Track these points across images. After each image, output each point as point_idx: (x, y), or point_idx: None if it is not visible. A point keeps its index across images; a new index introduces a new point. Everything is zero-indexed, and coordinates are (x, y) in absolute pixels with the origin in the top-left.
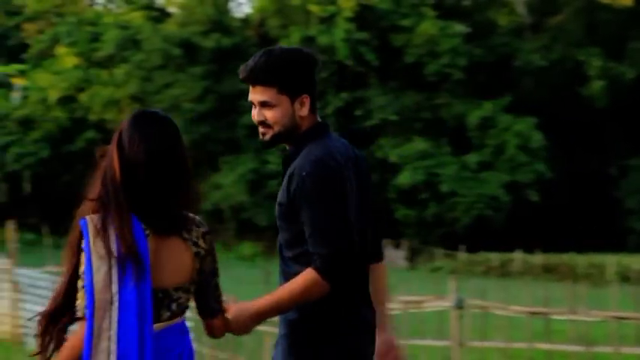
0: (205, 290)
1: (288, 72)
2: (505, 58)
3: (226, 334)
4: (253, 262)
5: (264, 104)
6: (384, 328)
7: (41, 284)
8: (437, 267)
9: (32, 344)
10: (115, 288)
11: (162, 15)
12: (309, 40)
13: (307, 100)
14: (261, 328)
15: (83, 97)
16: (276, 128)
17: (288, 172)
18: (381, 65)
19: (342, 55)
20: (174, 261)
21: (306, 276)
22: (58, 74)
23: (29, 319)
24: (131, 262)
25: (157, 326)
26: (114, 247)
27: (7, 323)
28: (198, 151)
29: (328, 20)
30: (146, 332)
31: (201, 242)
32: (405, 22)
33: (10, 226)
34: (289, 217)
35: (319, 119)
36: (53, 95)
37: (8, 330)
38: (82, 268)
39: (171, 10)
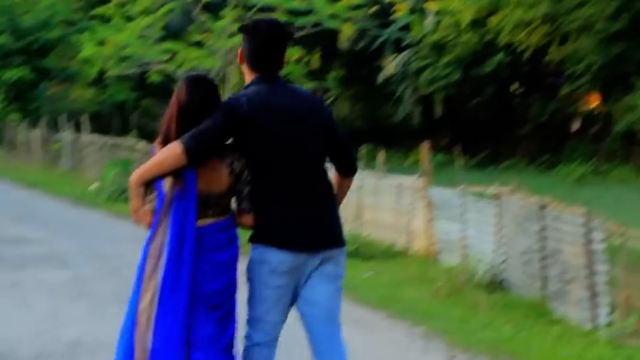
0: (240, 196)
1: (242, 33)
2: None
3: None
4: None
5: None
6: None
7: (453, 203)
8: None
9: (446, 260)
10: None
11: None
12: None
13: (241, 55)
14: None
15: (494, 20)
16: None
17: None
18: None
19: None
20: (214, 176)
21: (171, 145)
22: None
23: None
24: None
25: (205, 221)
26: None
27: (422, 239)
28: (610, 71)
29: None
30: (190, 217)
31: (235, 164)
32: None
33: (424, 148)
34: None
35: (266, 74)
36: (465, 19)
37: (423, 246)
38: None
39: None
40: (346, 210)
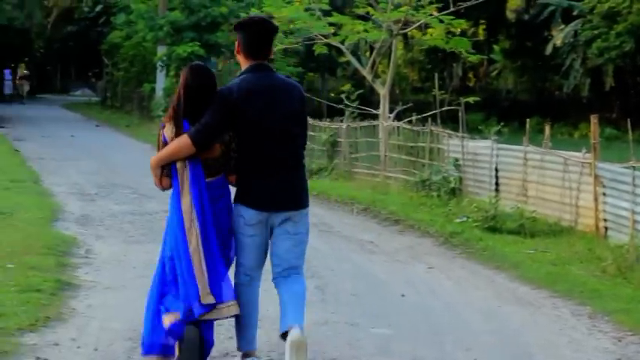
0: (228, 161)
1: (235, 26)
2: None
3: None
4: None
5: None
6: None
7: (623, 179)
8: None
9: (615, 238)
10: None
11: None
12: None
13: (237, 46)
14: None
15: None
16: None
17: None
18: None
19: None
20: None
21: (181, 138)
22: None
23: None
24: None
25: (208, 180)
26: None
27: (590, 216)
28: None
29: None
30: (202, 179)
31: (225, 137)
32: None
33: (593, 121)
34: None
35: (256, 62)
36: None
37: (592, 223)
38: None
39: None
40: (510, 185)
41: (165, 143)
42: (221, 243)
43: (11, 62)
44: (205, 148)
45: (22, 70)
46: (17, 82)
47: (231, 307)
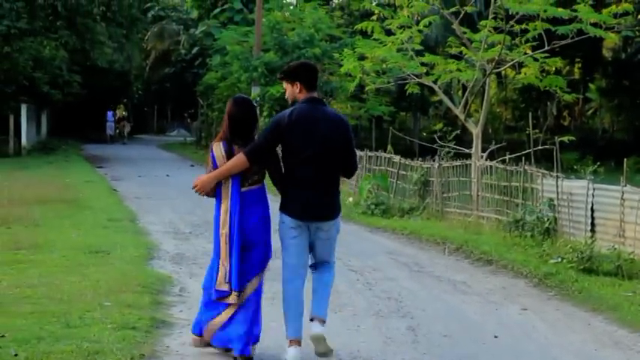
0: (272, 171)
1: (291, 71)
2: None
3: None
4: None
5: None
6: None
7: None
8: None
9: None
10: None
11: None
12: None
13: (299, 85)
14: None
15: None
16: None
17: None
18: None
19: None
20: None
21: (239, 155)
22: None
23: None
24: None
25: (245, 189)
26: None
27: None
28: None
29: None
30: (240, 190)
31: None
32: None
33: None
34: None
35: (311, 95)
36: None
37: None
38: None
39: None
40: (606, 226)
41: (213, 160)
42: (242, 240)
43: (111, 104)
44: (257, 163)
45: (121, 112)
46: (118, 123)
47: (234, 296)
